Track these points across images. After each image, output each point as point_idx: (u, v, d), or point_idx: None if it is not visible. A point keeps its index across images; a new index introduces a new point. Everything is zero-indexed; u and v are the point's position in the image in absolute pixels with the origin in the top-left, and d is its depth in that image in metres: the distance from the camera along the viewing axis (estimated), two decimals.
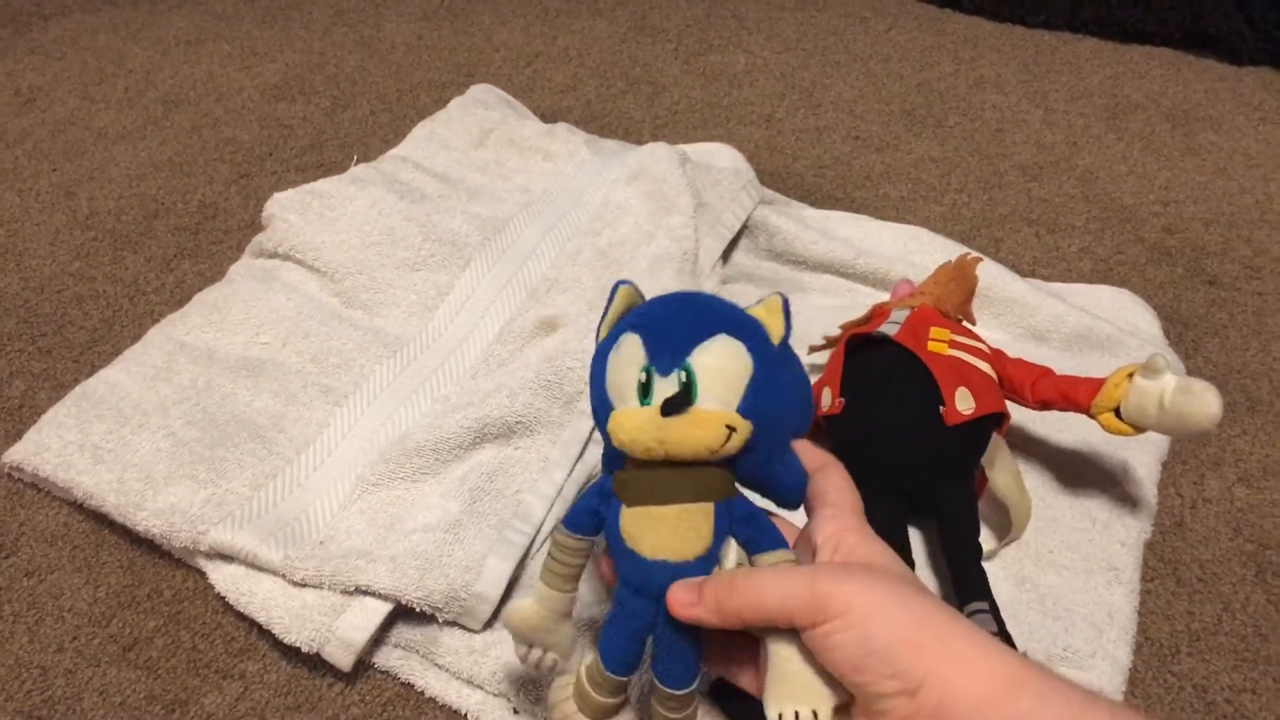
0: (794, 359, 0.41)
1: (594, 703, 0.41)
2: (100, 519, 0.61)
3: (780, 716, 0.35)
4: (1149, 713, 0.52)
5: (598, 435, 0.59)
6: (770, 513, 0.41)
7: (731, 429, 0.37)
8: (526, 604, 0.43)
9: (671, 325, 0.38)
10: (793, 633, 0.35)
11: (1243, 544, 0.59)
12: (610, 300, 0.42)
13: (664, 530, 0.38)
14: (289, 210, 0.74)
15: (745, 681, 0.41)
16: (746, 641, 0.40)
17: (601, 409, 0.40)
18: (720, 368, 0.37)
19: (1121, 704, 0.32)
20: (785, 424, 0.40)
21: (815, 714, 0.35)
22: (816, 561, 0.38)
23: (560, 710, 0.42)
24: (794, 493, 0.41)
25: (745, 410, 0.37)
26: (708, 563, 0.38)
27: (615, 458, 0.41)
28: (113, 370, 0.66)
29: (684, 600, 0.37)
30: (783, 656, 0.36)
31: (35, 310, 0.77)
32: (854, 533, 0.38)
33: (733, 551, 0.39)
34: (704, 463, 0.38)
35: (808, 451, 0.42)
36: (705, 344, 0.37)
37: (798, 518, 0.42)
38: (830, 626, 0.34)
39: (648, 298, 0.42)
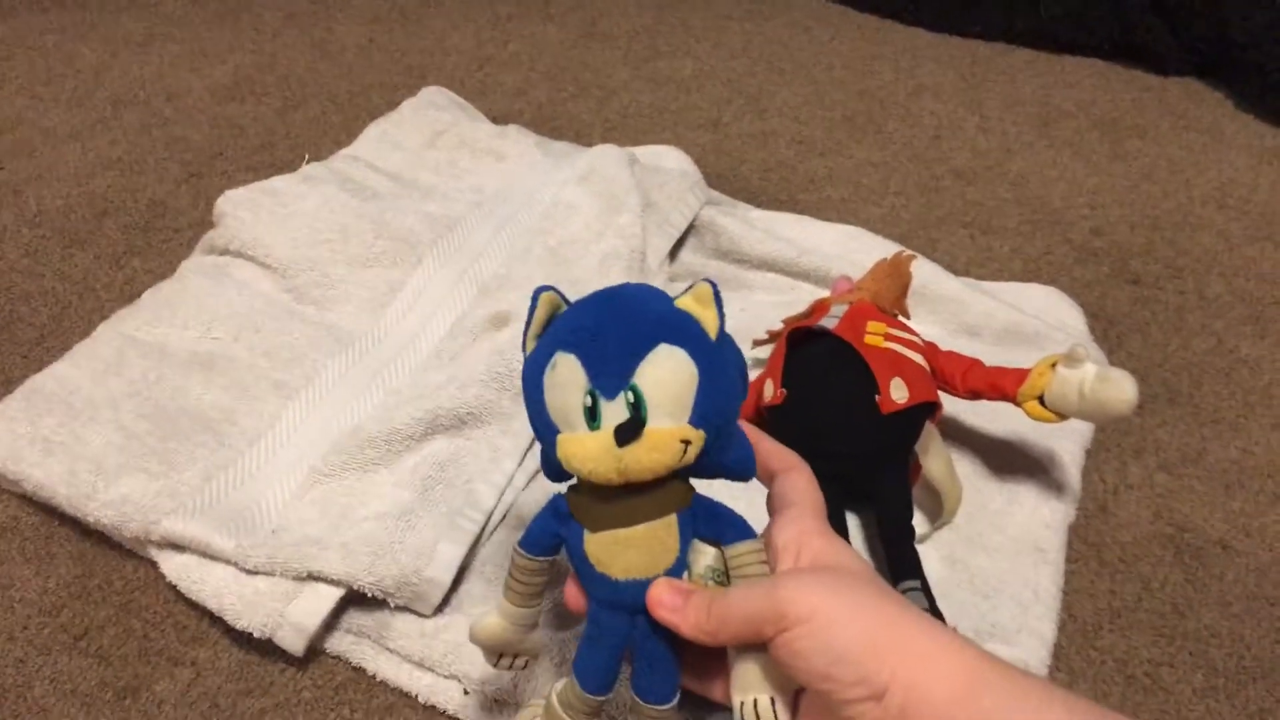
0: (730, 345, 0.40)
1: None
2: (50, 512, 0.61)
3: (741, 705, 0.36)
4: (1077, 689, 0.54)
5: None
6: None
7: (686, 443, 0.36)
8: (493, 621, 0.43)
9: (607, 341, 0.37)
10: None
11: (1162, 527, 0.62)
12: (532, 309, 0.40)
13: (633, 552, 0.38)
14: (240, 208, 0.75)
15: (718, 694, 0.41)
16: (719, 654, 0.40)
17: (546, 431, 0.39)
18: (666, 382, 0.36)
19: (1076, 694, 0.33)
20: (732, 417, 0.39)
21: (773, 701, 0.36)
22: (778, 568, 0.38)
23: None
24: (743, 467, 0.41)
25: (696, 420, 0.36)
26: (678, 571, 0.39)
27: (558, 468, 0.39)
28: (62, 365, 0.66)
29: (667, 603, 0.37)
30: (745, 654, 0.37)
31: None
32: (816, 535, 0.38)
33: (699, 553, 0.39)
34: (662, 478, 0.37)
35: (775, 454, 0.42)
36: (647, 359, 0.36)
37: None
38: (793, 634, 0.34)
39: (586, 293, 0.40)
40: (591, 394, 0.36)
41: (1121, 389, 0.53)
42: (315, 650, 0.55)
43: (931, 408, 0.59)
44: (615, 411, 0.36)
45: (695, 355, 0.36)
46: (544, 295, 0.40)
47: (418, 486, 0.59)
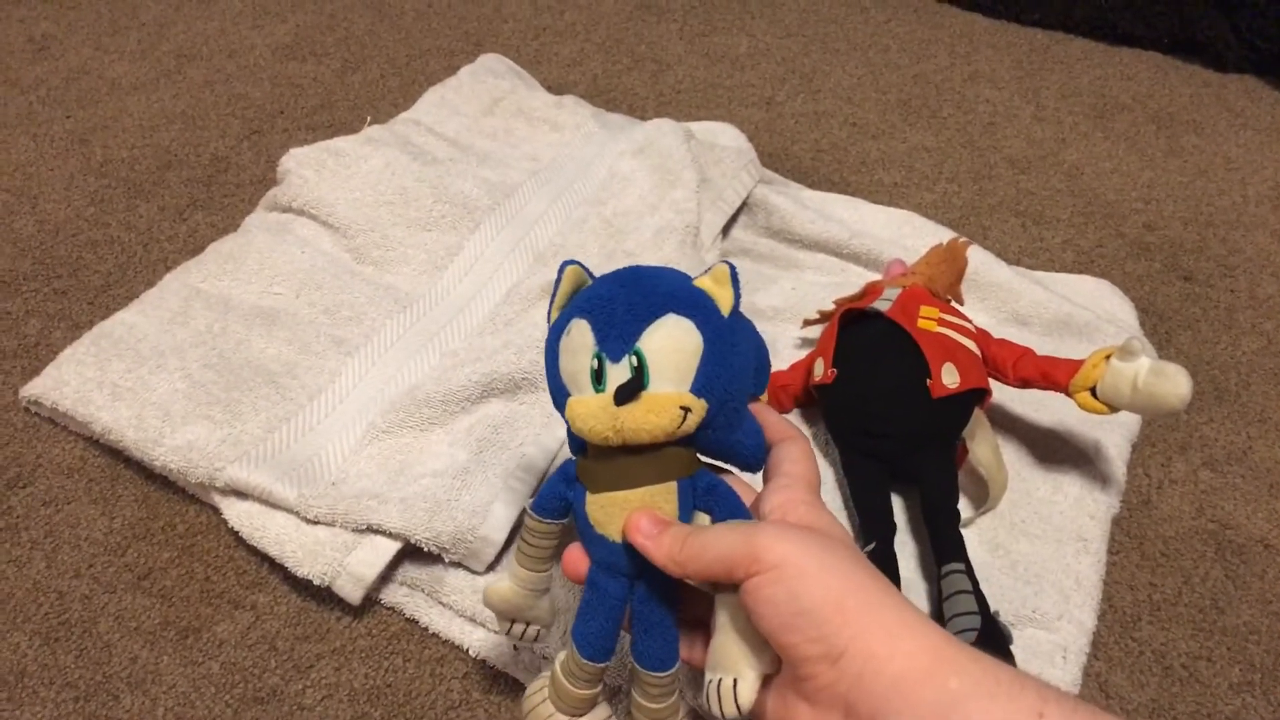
0: (745, 326, 0.40)
1: (571, 696, 0.41)
2: (115, 454, 0.63)
3: (708, 683, 0.37)
4: (1114, 678, 0.55)
5: None
6: (727, 471, 0.42)
7: (686, 410, 0.37)
8: (505, 585, 0.44)
9: (617, 308, 0.37)
10: (736, 598, 0.36)
11: (1205, 523, 0.63)
12: (558, 282, 0.40)
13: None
14: (305, 166, 0.76)
15: (699, 658, 0.41)
16: (705, 618, 0.40)
17: (559, 396, 0.40)
18: (670, 349, 0.37)
19: (1047, 684, 0.32)
20: (739, 394, 0.40)
21: (735, 682, 0.36)
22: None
23: (536, 715, 0.42)
24: (754, 458, 0.41)
25: (698, 389, 0.37)
26: None
27: (577, 441, 0.40)
28: (130, 313, 0.68)
29: (644, 529, 0.38)
30: (721, 623, 0.37)
31: (51, 253, 0.78)
32: (803, 503, 0.38)
33: (698, 523, 0.40)
34: (661, 444, 0.38)
35: (774, 424, 0.43)
36: (653, 326, 0.37)
37: (757, 480, 0.43)
38: (763, 579, 0.34)
39: (613, 269, 0.41)
40: (598, 357, 0.37)
41: (1176, 383, 0.54)
42: (371, 600, 0.57)
43: (981, 394, 0.60)
44: (620, 374, 0.37)
45: (703, 327, 0.37)
46: (569, 269, 0.40)
47: (473, 447, 0.60)
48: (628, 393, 0.36)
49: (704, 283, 0.39)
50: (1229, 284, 0.81)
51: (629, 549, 0.39)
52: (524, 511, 0.43)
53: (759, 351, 0.42)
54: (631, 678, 0.42)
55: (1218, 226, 0.87)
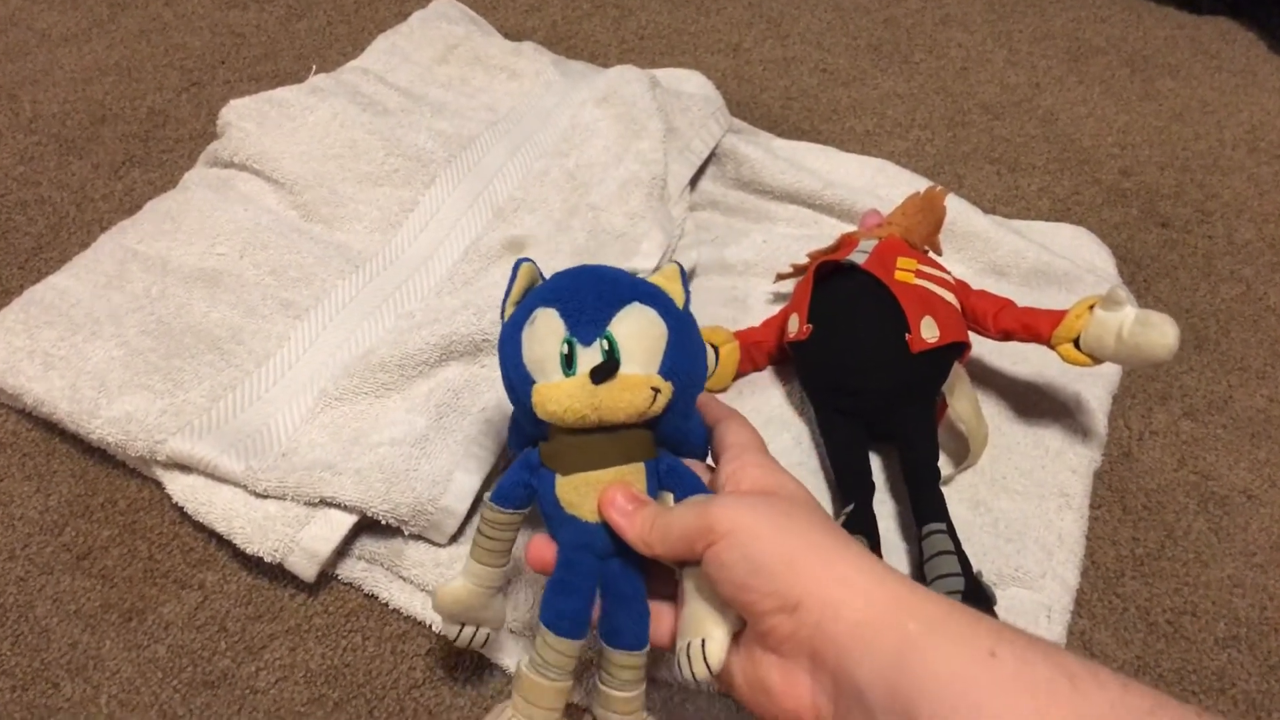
0: (694, 322, 0.43)
1: (545, 692, 0.40)
2: (50, 427, 0.60)
3: (677, 648, 0.38)
4: (1098, 635, 0.54)
5: None
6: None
7: (656, 390, 0.39)
8: (458, 584, 0.43)
9: (586, 296, 0.40)
10: (699, 570, 0.37)
11: (1187, 475, 0.61)
12: (513, 279, 0.43)
13: None
14: (246, 118, 0.72)
15: (663, 636, 0.42)
16: (669, 596, 0.41)
17: (521, 384, 0.41)
18: (638, 333, 0.39)
19: (1008, 625, 0.32)
20: (698, 380, 0.42)
21: (704, 642, 0.37)
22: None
23: None
24: (702, 446, 0.44)
25: (665, 372, 0.39)
26: None
27: (528, 434, 0.43)
28: (62, 277, 0.64)
29: (619, 505, 0.39)
30: (688, 594, 0.38)
31: None
32: (755, 466, 0.40)
33: (663, 503, 0.41)
34: (629, 425, 0.39)
35: (709, 406, 0.45)
36: (622, 312, 0.39)
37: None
38: (718, 547, 0.35)
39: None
40: (569, 342, 0.39)
41: (1163, 333, 0.52)
42: (326, 576, 0.54)
43: (961, 348, 0.58)
44: (591, 358, 0.39)
45: (665, 316, 0.40)
46: (524, 266, 0.43)
47: (432, 413, 0.57)
48: (605, 372, 0.38)
49: (656, 279, 0.42)
50: (1206, 230, 0.79)
51: (603, 527, 0.40)
52: (482, 503, 0.43)
53: (704, 349, 0.44)
54: (599, 666, 0.41)
55: (1194, 171, 0.85)
